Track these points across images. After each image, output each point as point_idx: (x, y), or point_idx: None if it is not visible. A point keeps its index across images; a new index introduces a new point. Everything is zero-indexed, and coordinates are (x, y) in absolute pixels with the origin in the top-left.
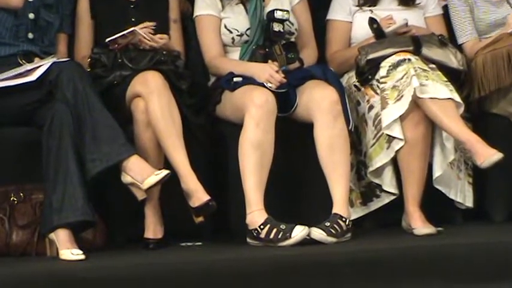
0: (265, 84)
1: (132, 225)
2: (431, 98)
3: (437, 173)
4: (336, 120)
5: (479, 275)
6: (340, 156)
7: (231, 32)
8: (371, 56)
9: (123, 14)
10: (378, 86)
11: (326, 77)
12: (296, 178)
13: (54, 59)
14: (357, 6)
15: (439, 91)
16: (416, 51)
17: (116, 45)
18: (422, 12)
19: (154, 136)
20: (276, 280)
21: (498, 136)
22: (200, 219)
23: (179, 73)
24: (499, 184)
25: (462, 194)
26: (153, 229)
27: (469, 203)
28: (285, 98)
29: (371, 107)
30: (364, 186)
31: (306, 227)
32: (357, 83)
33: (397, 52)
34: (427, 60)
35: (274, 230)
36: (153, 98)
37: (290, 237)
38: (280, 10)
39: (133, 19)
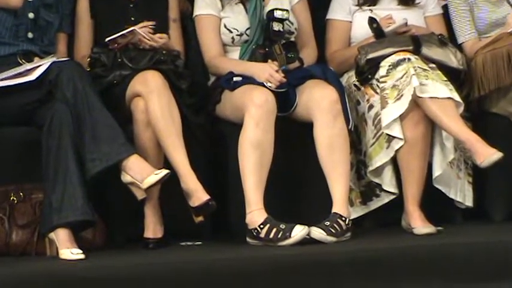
0: (265, 83)
1: (131, 224)
2: (431, 98)
3: (437, 172)
4: (335, 120)
5: (479, 275)
6: (340, 155)
7: (230, 32)
8: (371, 56)
9: (122, 13)
10: (377, 86)
11: (326, 77)
12: (296, 178)
13: (54, 59)
14: (357, 5)
15: (439, 90)
16: (416, 51)
17: (116, 45)
18: (422, 12)
19: (154, 136)
20: (276, 279)
21: (498, 135)
22: (200, 218)
23: (179, 73)
24: (499, 183)
25: (462, 194)
26: (152, 229)
27: (468, 202)
28: (285, 97)
29: (371, 107)
30: (364, 186)
31: (306, 227)
32: (357, 83)
33: (397, 51)
34: (427, 60)
35: (274, 230)
36: (152, 98)
37: (290, 236)
38: (280, 9)
39: (132, 18)
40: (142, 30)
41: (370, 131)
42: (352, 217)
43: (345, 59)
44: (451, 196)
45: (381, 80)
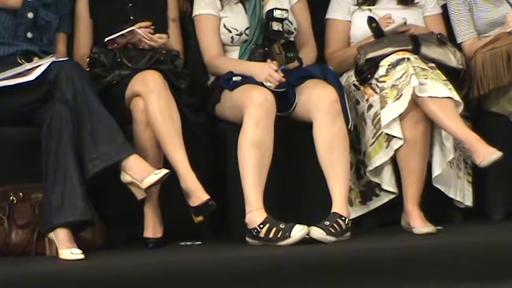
0: (264, 83)
1: (131, 224)
2: (430, 97)
3: (436, 172)
4: (335, 120)
5: (478, 274)
6: (339, 155)
7: (230, 32)
8: (370, 55)
9: (121, 13)
10: (377, 85)
11: (325, 76)
12: (295, 177)
13: (53, 59)
14: (356, 5)
15: (438, 90)
16: (416, 50)
17: (115, 45)
18: (421, 12)
19: (153, 135)
20: (275, 279)
21: (497, 135)
22: (200, 218)
23: (178, 72)
24: (499, 183)
25: (461, 193)
26: (152, 228)
27: (468, 201)
28: (284, 97)
29: (370, 106)
30: (363, 185)
31: (305, 226)
32: (356, 82)
33: (396, 51)
34: (426, 59)
35: (274, 229)
36: (152, 98)
37: (289, 236)
38: (279, 9)
39: (131, 17)
40: (142, 30)
41: (369, 130)
42: (351, 217)
43: (344, 59)
44: (451, 195)
45: (380, 79)
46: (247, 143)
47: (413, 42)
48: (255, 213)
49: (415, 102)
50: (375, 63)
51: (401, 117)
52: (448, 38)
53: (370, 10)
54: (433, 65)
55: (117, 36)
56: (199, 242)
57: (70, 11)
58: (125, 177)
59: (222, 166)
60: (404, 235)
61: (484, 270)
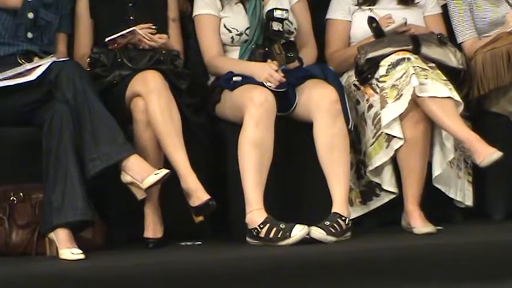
0: (264, 83)
1: (131, 224)
2: (430, 97)
3: (436, 171)
4: (335, 120)
5: (478, 274)
6: (339, 155)
7: (230, 32)
8: (370, 55)
9: (121, 13)
10: (377, 85)
11: (325, 76)
12: (296, 177)
13: (54, 59)
14: (356, 5)
15: (439, 90)
16: (416, 50)
17: (115, 45)
18: (422, 11)
19: (153, 136)
20: (276, 279)
21: (497, 135)
22: (200, 218)
23: (178, 72)
24: (499, 183)
25: (462, 193)
26: (152, 228)
27: (468, 201)
28: (285, 97)
29: (370, 106)
30: (363, 185)
31: (306, 226)
32: (357, 82)
33: (397, 51)
34: (427, 59)
35: (274, 229)
36: (152, 98)
37: (290, 236)
38: (280, 9)
39: (131, 17)
40: (143, 30)
41: (369, 130)
42: (352, 217)
43: (344, 59)
44: (451, 195)
45: (380, 79)
46: (247, 143)
47: (414, 42)
48: (255, 213)
49: (415, 102)
50: (375, 63)
51: (401, 117)
52: (448, 38)
53: (370, 10)
54: (433, 65)
55: (118, 37)
56: (200, 242)
57: (70, 11)
58: (125, 178)
59: (222, 166)
60: (404, 235)
61: (484, 270)
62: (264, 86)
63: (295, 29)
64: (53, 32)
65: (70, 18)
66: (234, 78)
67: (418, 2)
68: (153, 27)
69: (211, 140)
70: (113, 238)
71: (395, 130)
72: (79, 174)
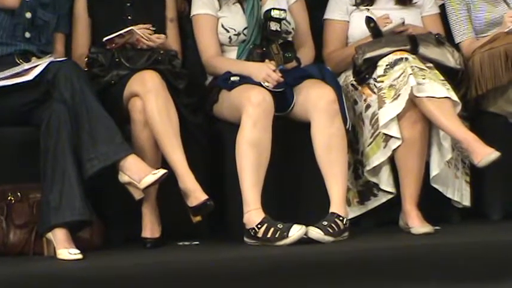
0: (262, 83)
1: (129, 224)
2: (428, 97)
3: (434, 171)
4: (333, 120)
5: (476, 274)
6: (337, 155)
7: (228, 31)
8: (368, 55)
9: (119, 12)
10: (375, 85)
11: (323, 76)
12: (293, 177)
13: (52, 59)
14: (354, 5)
15: (436, 90)
16: (413, 50)
17: (113, 45)
18: (419, 12)
19: (151, 135)
20: (274, 279)
21: (495, 135)
22: (198, 218)
23: (176, 72)
24: (497, 183)
25: (459, 193)
26: (150, 228)
27: (466, 201)
28: (282, 97)
29: (368, 106)
30: (361, 185)
31: (303, 226)
32: (354, 82)
33: (394, 51)
34: (424, 59)
35: (272, 229)
36: (150, 98)
37: (287, 236)
38: (277, 9)
39: (129, 17)
40: (140, 30)
41: (367, 130)
42: (349, 217)
43: (342, 59)
44: (449, 195)
45: (378, 79)
46: (245, 143)
47: (411, 42)
48: (253, 213)
49: (413, 102)
50: (373, 63)
51: (399, 117)
52: (446, 38)
53: (368, 10)
54: (431, 65)
55: (115, 36)
56: (198, 242)
57: (68, 11)
58: (123, 177)
59: (220, 166)
60: (402, 235)
61: (482, 270)
62: (262, 86)
63: (292, 29)
64: (50, 31)
65: (68, 18)
66: (232, 78)
67: (415, 2)
68: (151, 27)
69: (209, 140)
70: (110, 238)
71: (393, 130)
72: (77, 174)
